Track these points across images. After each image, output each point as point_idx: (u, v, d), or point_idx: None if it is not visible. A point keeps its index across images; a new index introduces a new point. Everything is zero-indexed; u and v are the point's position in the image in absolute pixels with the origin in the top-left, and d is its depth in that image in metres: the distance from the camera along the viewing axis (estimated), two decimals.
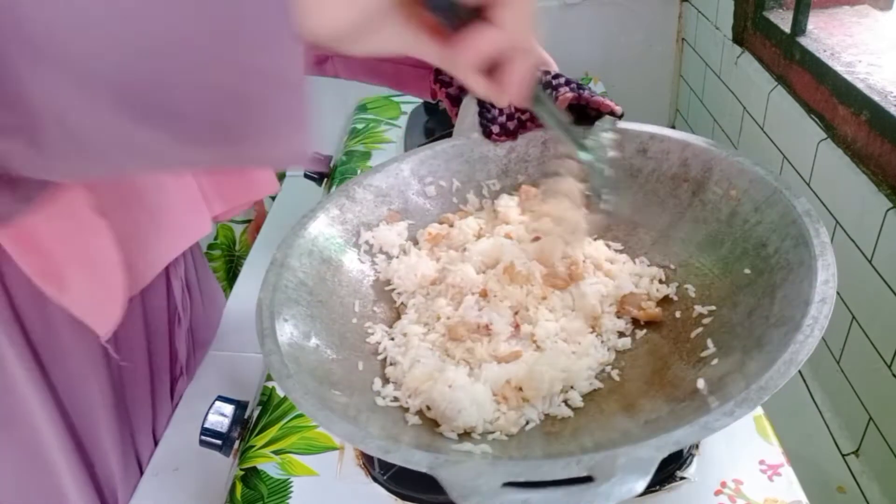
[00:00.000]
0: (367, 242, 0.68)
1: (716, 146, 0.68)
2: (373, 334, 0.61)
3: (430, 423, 0.53)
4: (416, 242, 0.71)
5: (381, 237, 0.68)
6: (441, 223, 0.72)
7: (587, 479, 0.39)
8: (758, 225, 0.61)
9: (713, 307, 0.59)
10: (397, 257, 0.68)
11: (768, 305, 0.54)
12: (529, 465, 0.41)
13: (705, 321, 0.59)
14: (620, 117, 0.76)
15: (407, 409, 0.54)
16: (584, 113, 0.76)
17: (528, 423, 0.53)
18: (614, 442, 0.45)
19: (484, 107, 0.75)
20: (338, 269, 0.64)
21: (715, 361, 0.53)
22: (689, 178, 0.69)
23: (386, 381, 0.57)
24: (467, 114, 0.77)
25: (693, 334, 0.58)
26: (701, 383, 0.50)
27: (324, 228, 0.65)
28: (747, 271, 0.59)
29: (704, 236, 0.66)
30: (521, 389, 0.55)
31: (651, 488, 0.56)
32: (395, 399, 0.54)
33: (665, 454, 0.40)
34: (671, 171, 0.71)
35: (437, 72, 0.78)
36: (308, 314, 0.58)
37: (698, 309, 0.60)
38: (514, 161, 0.77)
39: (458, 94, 0.78)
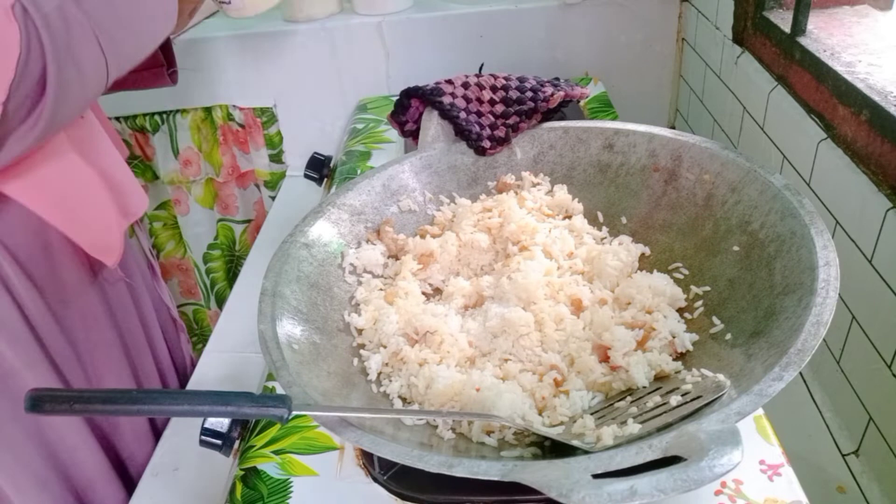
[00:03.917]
0: (351, 264, 0.68)
1: (681, 135, 0.69)
2: (367, 361, 0.61)
3: (464, 436, 0.53)
4: (397, 258, 0.71)
5: (364, 257, 0.69)
6: (420, 236, 0.72)
7: (677, 460, 0.40)
8: (737, 204, 0.62)
9: (707, 287, 0.60)
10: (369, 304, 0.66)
11: (767, 277, 0.55)
12: (610, 454, 0.41)
13: (703, 301, 0.60)
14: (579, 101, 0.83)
15: (436, 427, 0.53)
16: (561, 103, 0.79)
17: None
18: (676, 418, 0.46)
19: (464, 132, 0.76)
20: (328, 293, 0.64)
21: (728, 336, 0.54)
22: (660, 168, 0.70)
23: (404, 400, 0.57)
24: (430, 126, 0.77)
25: (695, 315, 0.59)
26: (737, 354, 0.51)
27: (306, 253, 0.65)
28: (736, 248, 0.60)
29: (684, 221, 0.66)
30: (558, 385, 0.55)
31: None
32: (421, 418, 0.54)
33: (732, 424, 0.41)
34: (640, 163, 0.72)
35: (394, 113, 0.82)
36: (310, 341, 0.58)
37: (694, 290, 0.61)
38: (482, 168, 0.78)
39: (415, 129, 0.80)
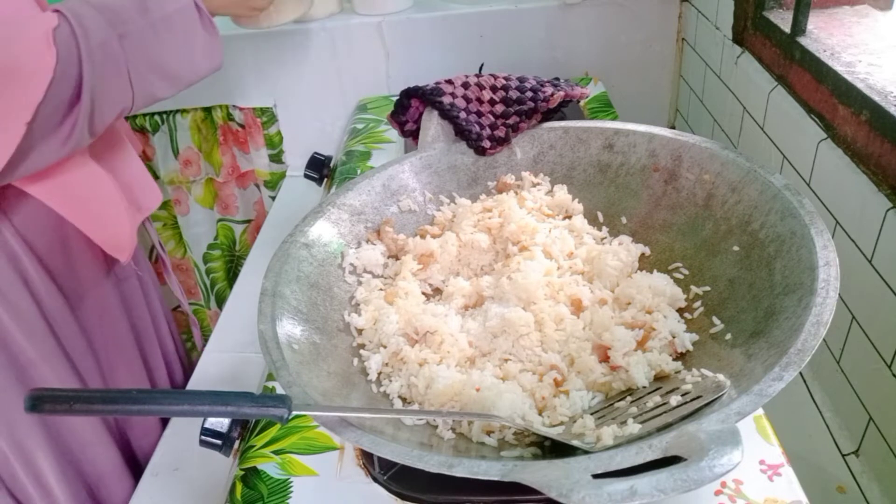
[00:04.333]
0: (351, 264, 0.68)
1: (681, 135, 0.69)
2: (367, 361, 0.61)
3: (464, 436, 0.53)
4: (397, 258, 0.71)
5: (364, 257, 0.68)
6: (420, 236, 0.72)
7: (677, 459, 0.39)
8: (737, 204, 0.62)
9: (707, 287, 0.60)
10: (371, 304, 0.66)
11: (767, 277, 0.55)
12: (610, 454, 0.41)
13: (703, 301, 0.60)
14: (579, 101, 0.83)
15: (436, 427, 0.53)
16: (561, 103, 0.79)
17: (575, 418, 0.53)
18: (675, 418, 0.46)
19: (464, 132, 0.76)
20: (328, 293, 0.64)
21: (728, 336, 0.54)
22: (660, 168, 0.70)
23: (404, 401, 0.57)
24: (430, 126, 0.77)
25: (695, 314, 0.59)
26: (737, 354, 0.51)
27: (306, 253, 0.65)
28: (736, 248, 0.60)
29: (684, 221, 0.66)
30: (558, 385, 0.55)
31: None
32: (421, 418, 0.54)
33: (732, 424, 0.41)
34: (640, 163, 0.72)
35: (394, 113, 0.82)
36: (310, 341, 0.58)
37: (694, 290, 0.61)
38: (482, 168, 0.78)
39: (415, 129, 0.80)
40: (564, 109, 0.81)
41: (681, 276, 0.63)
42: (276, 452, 0.64)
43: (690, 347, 0.56)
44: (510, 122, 0.77)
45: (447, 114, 0.77)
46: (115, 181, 0.72)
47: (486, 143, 0.76)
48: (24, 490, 0.73)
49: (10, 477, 0.72)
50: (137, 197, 0.79)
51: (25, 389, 0.69)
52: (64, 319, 0.73)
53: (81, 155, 0.69)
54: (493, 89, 0.80)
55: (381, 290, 0.66)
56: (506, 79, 0.81)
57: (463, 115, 0.77)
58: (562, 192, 0.74)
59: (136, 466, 0.83)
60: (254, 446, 0.65)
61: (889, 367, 0.73)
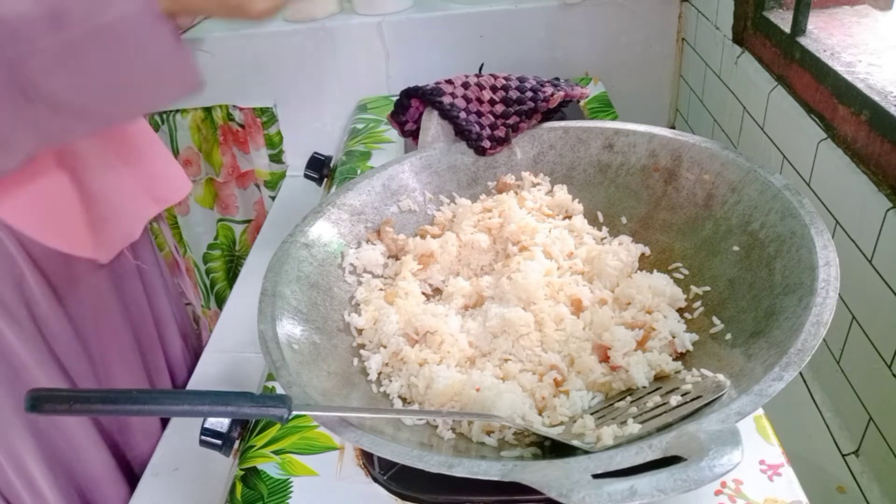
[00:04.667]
0: (351, 264, 0.68)
1: (681, 135, 0.69)
2: (367, 361, 0.61)
3: (464, 436, 0.53)
4: (397, 258, 0.71)
5: (364, 257, 0.69)
6: (420, 236, 0.72)
7: (677, 460, 0.40)
8: (737, 204, 0.62)
9: (707, 287, 0.60)
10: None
11: (767, 277, 0.55)
12: (610, 454, 0.41)
13: (703, 301, 0.60)
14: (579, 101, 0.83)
15: (436, 427, 0.53)
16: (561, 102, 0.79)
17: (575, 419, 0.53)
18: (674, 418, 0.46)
19: (464, 132, 0.76)
20: (328, 293, 0.64)
21: (728, 336, 0.54)
22: (660, 168, 0.70)
23: (404, 400, 0.57)
24: (430, 126, 0.78)
25: (695, 314, 0.59)
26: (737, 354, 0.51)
27: (306, 254, 0.65)
28: (736, 248, 0.60)
29: (684, 221, 0.67)
30: (558, 385, 0.55)
31: None
32: (421, 418, 0.54)
33: (732, 424, 0.41)
34: (640, 163, 0.72)
35: (394, 113, 0.82)
36: (310, 341, 0.58)
37: (694, 290, 0.61)
38: (482, 168, 0.78)
39: (415, 129, 0.80)
40: (564, 109, 0.81)
41: (681, 276, 0.63)
42: (276, 452, 0.64)
43: (690, 347, 0.56)
44: (510, 122, 0.77)
45: (447, 114, 0.77)
46: (72, 183, 0.66)
47: (486, 143, 0.76)
48: (19, 497, 0.72)
49: (4, 482, 0.72)
50: (155, 187, 0.76)
51: (16, 392, 0.69)
52: (60, 324, 0.73)
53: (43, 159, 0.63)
54: (493, 89, 0.80)
55: (381, 290, 0.66)
56: (506, 79, 0.81)
57: (463, 115, 0.77)
58: (562, 192, 0.74)
59: (130, 472, 0.82)
60: (254, 446, 0.65)
61: (889, 367, 0.73)
